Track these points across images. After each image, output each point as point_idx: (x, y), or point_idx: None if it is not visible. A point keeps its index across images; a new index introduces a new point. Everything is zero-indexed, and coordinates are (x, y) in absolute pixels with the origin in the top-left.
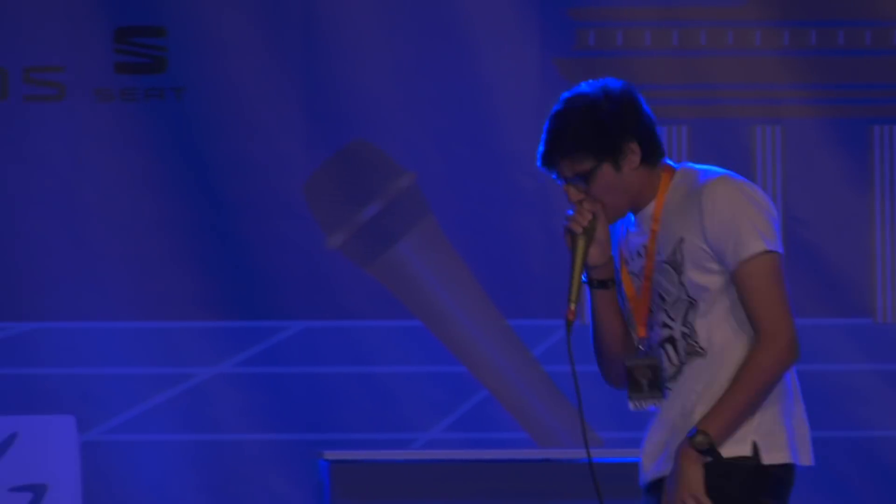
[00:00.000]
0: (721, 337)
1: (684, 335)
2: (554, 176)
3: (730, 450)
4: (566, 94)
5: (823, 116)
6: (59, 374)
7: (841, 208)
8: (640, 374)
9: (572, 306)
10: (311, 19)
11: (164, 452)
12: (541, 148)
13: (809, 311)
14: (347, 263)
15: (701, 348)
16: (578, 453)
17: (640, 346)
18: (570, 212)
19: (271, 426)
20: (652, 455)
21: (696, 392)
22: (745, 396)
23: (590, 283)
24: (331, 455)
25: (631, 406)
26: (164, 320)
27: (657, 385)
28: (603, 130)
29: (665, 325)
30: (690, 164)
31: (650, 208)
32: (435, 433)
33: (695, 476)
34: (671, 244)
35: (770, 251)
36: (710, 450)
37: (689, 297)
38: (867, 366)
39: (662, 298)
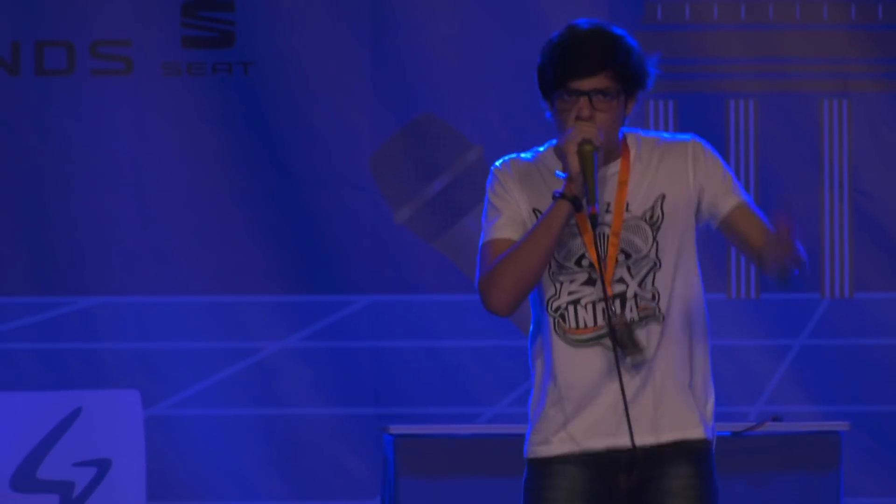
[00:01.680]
0: (681, 305)
1: (636, 295)
2: (557, 95)
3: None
4: (583, 21)
5: (890, 90)
6: (124, 349)
7: None
8: (624, 331)
9: (595, 206)
10: None
11: (228, 427)
12: (577, 53)
13: (877, 285)
14: (414, 238)
15: (659, 311)
16: None
17: (612, 304)
18: (570, 130)
19: (337, 400)
20: (602, 427)
21: (664, 363)
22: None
23: (564, 197)
24: (395, 429)
25: (630, 361)
26: (229, 294)
27: (635, 343)
28: (641, 65)
29: (620, 281)
30: (634, 130)
31: (614, 166)
32: (501, 408)
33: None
34: (648, 201)
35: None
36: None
37: (657, 256)
38: None
39: (627, 255)
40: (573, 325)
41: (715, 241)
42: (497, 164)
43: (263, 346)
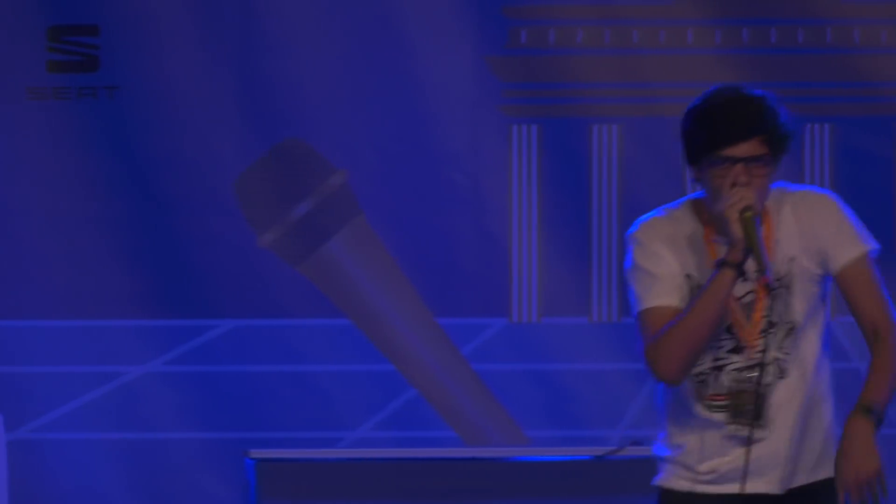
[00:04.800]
0: (811, 357)
1: (777, 359)
2: (710, 162)
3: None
4: (726, 85)
5: None
6: None
7: None
8: (746, 399)
9: (768, 274)
10: (243, 18)
11: (91, 451)
12: (730, 120)
13: None
14: (278, 262)
15: (787, 370)
16: (505, 452)
17: (751, 372)
18: (727, 197)
19: (200, 425)
20: (729, 472)
21: (795, 413)
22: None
23: (727, 265)
24: (257, 454)
25: (730, 430)
26: (93, 318)
27: (761, 414)
28: (788, 128)
29: (759, 351)
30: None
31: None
32: (362, 432)
33: (872, 451)
34: (783, 265)
35: (873, 249)
36: (880, 420)
37: (793, 320)
38: None
39: (770, 323)
40: (714, 391)
41: (577, 264)
42: (637, 225)
43: (126, 371)
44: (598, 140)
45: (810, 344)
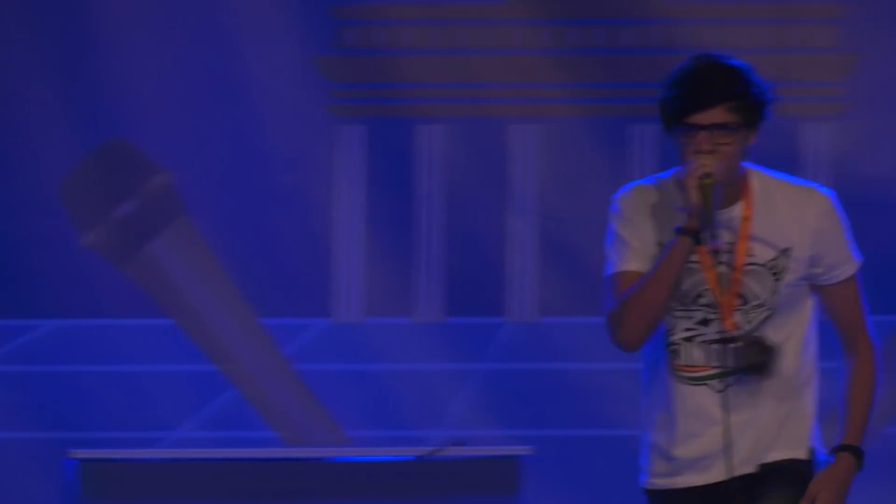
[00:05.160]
0: (792, 351)
1: (757, 340)
2: (678, 129)
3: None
4: (704, 53)
5: (581, 115)
6: None
7: (596, 207)
8: (751, 356)
9: (717, 241)
10: (70, 15)
11: None
12: (696, 87)
13: (561, 309)
14: (102, 262)
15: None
16: (326, 452)
17: (732, 336)
18: (692, 161)
19: (20, 425)
20: (704, 460)
21: (770, 405)
22: (871, 406)
23: (685, 231)
24: (77, 454)
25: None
26: None
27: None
28: (760, 96)
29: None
30: (756, 167)
31: (737, 208)
32: (184, 431)
33: (845, 493)
34: (773, 250)
35: (860, 264)
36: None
37: (773, 306)
38: (619, 364)
39: (744, 300)
40: (685, 361)
41: (401, 264)
42: (621, 192)
43: None
44: (424, 140)
45: (793, 331)
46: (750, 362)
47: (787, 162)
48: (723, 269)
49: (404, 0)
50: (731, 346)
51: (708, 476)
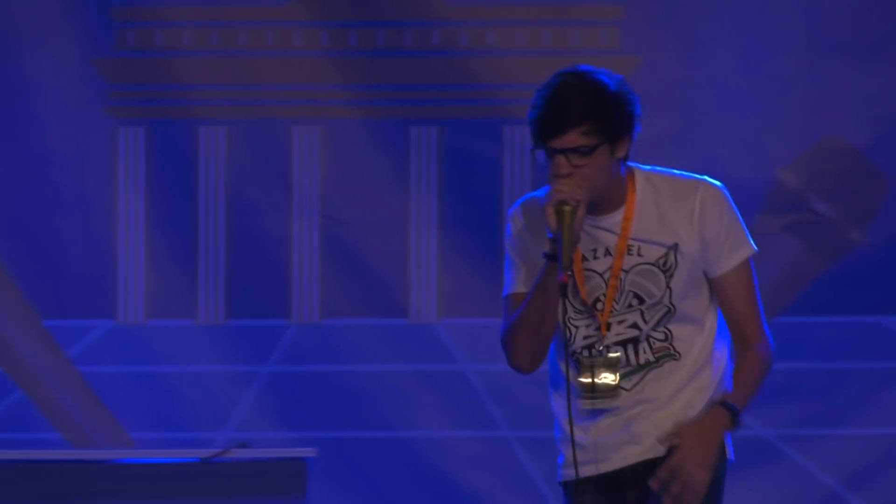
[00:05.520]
0: (698, 343)
1: (652, 338)
2: (541, 152)
3: None
4: (569, 69)
5: (360, 117)
6: None
7: (379, 209)
8: (601, 372)
9: (567, 272)
10: None
11: None
12: (549, 112)
13: (345, 311)
14: None
15: (677, 352)
16: (111, 454)
17: (602, 345)
18: (548, 187)
19: None
20: (603, 449)
21: (666, 390)
22: (759, 387)
23: (549, 258)
24: None
25: (586, 405)
26: None
27: (615, 385)
28: (618, 112)
29: (634, 326)
30: (645, 167)
31: (620, 212)
32: None
33: (715, 445)
34: (660, 248)
35: (752, 255)
36: (735, 425)
37: (670, 303)
38: (403, 366)
39: (641, 300)
40: (587, 365)
41: (184, 265)
42: (512, 209)
43: None
44: (206, 142)
45: (696, 324)
46: (646, 361)
47: None
48: (595, 274)
49: (184, 2)
50: (605, 349)
51: (608, 465)
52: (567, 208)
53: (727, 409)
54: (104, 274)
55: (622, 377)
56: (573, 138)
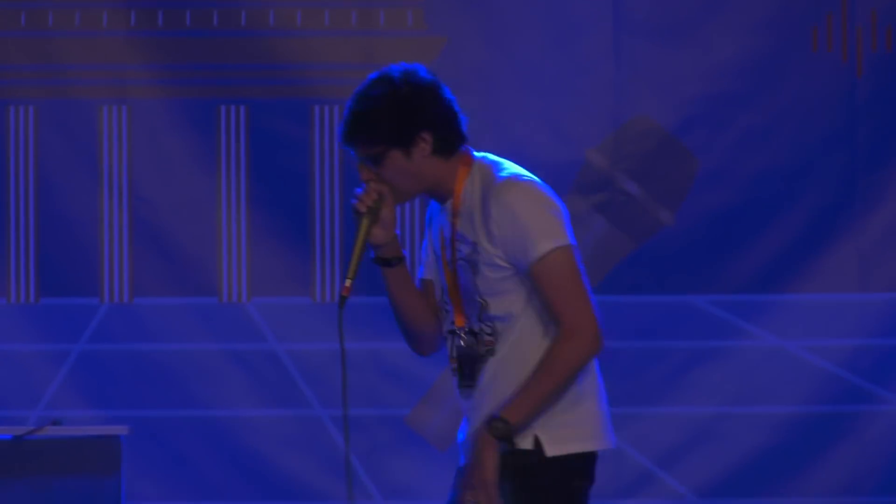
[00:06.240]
0: (514, 338)
1: (477, 331)
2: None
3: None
4: (372, 76)
5: (170, 97)
6: None
7: (188, 189)
8: (463, 362)
9: (348, 282)
10: None
11: None
12: (341, 127)
13: (155, 290)
14: None
15: (494, 347)
16: None
17: (460, 334)
18: (359, 190)
19: None
20: (462, 441)
21: (490, 392)
22: (547, 387)
23: (375, 261)
24: None
25: (461, 395)
26: None
27: (473, 374)
28: (394, 119)
29: (468, 317)
30: (487, 158)
31: (451, 203)
32: None
33: (490, 462)
34: (469, 245)
35: (560, 247)
36: (508, 438)
37: (481, 297)
38: (214, 345)
39: (461, 294)
40: (449, 352)
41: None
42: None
43: None
44: (14, 121)
45: (513, 320)
46: (470, 352)
47: None
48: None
49: None
50: (458, 338)
51: (464, 457)
52: (363, 218)
53: (493, 428)
54: None
55: (467, 368)
56: (360, 150)
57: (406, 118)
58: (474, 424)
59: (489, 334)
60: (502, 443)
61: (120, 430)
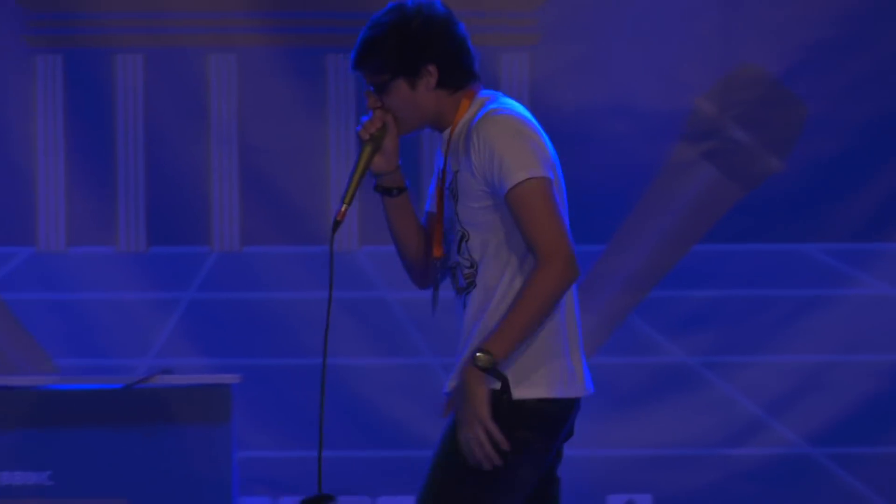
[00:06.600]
0: (492, 271)
1: (459, 264)
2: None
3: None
4: (391, 4)
5: (278, 45)
6: None
7: (297, 137)
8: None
9: (344, 207)
10: None
11: None
12: (351, 53)
13: (265, 238)
14: None
15: (474, 280)
16: (36, 380)
17: (437, 266)
18: (365, 118)
19: None
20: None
21: (471, 323)
22: (528, 316)
23: (377, 189)
24: None
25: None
26: None
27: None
28: (401, 49)
29: (448, 251)
30: (490, 96)
31: (446, 133)
32: None
33: (480, 395)
34: (452, 174)
35: (533, 177)
36: (493, 369)
37: (462, 227)
38: (323, 293)
39: (444, 222)
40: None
41: (103, 193)
42: None
43: None
44: (122, 70)
45: (488, 256)
46: (461, 287)
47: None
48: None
49: None
50: (441, 268)
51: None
52: (366, 145)
53: (477, 359)
54: (24, 201)
55: (458, 300)
56: (367, 76)
57: (413, 49)
58: (461, 358)
59: (469, 266)
60: (489, 375)
61: (230, 378)
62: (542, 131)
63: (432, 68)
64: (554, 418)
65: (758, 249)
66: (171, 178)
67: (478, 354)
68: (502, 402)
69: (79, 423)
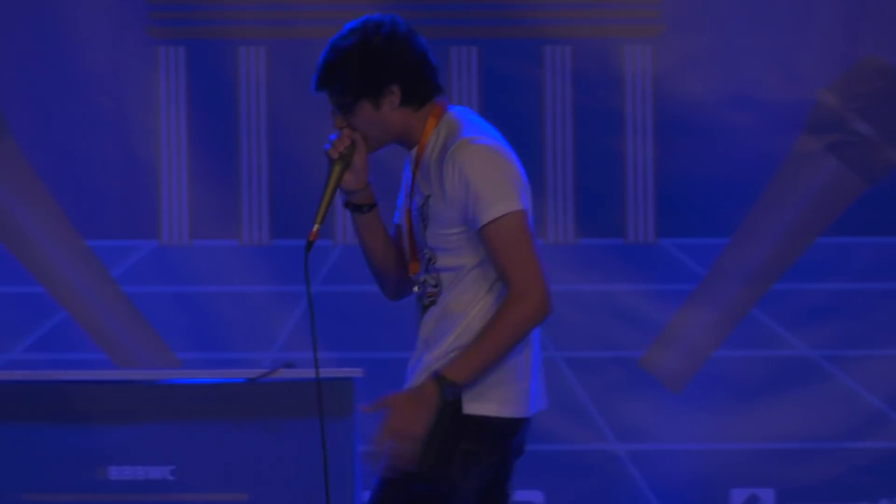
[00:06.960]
0: (459, 298)
1: (426, 281)
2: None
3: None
4: (349, 25)
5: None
6: None
7: None
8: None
9: (316, 227)
10: None
11: None
12: (312, 76)
13: None
14: None
15: (436, 299)
16: (157, 374)
17: (414, 282)
18: (333, 136)
19: None
20: None
21: (429, 343)
22: (496, 347)
23: (346, 206)
24: None
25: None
26: None
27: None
28: (361, 72)
29: (420, 267)
30: (459, 113)
31: (415, 151)
32: (15, 354)
33: (423, 417)
34: (421, 197)
35: (511, 212)
36: (453, 397)
37: (429, 249)
38: None
39: (415, 243)
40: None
41: (227, 186)
42: None
43: None
44: (245, 61)
45: (454, 282)
46: (425, 304)
47: (609, 84)
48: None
49: None
50: (415, 287)
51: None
52: (336, 164)
53: (438, 382)
54: (147, 195)
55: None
56: (331, 98)
57: (373, 71)
58: (413, 373)
59: (433, 286)
60: (445, 401)
61: (354, 372)
62: (513, 154)
63: (395, 88)
64: (501, 434)
65: (882, 242)
66: (294, 170)
67: (440, 381)
68: (447, 413)
69: (201, 417)
